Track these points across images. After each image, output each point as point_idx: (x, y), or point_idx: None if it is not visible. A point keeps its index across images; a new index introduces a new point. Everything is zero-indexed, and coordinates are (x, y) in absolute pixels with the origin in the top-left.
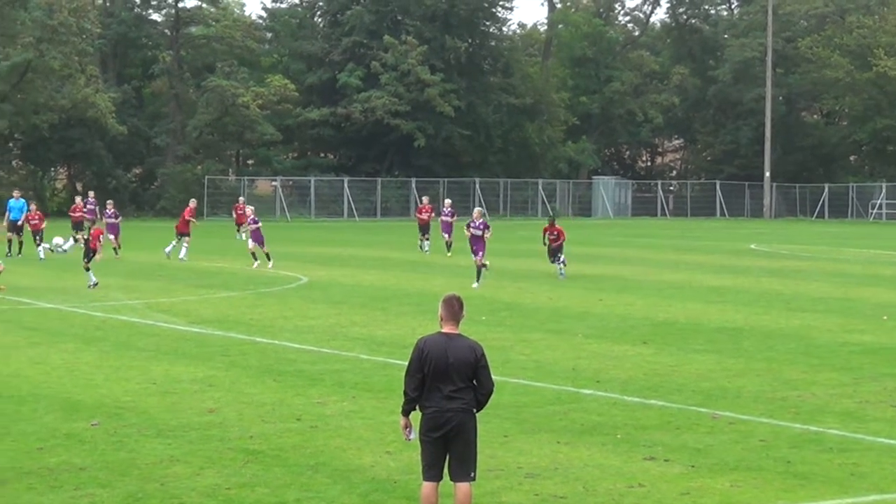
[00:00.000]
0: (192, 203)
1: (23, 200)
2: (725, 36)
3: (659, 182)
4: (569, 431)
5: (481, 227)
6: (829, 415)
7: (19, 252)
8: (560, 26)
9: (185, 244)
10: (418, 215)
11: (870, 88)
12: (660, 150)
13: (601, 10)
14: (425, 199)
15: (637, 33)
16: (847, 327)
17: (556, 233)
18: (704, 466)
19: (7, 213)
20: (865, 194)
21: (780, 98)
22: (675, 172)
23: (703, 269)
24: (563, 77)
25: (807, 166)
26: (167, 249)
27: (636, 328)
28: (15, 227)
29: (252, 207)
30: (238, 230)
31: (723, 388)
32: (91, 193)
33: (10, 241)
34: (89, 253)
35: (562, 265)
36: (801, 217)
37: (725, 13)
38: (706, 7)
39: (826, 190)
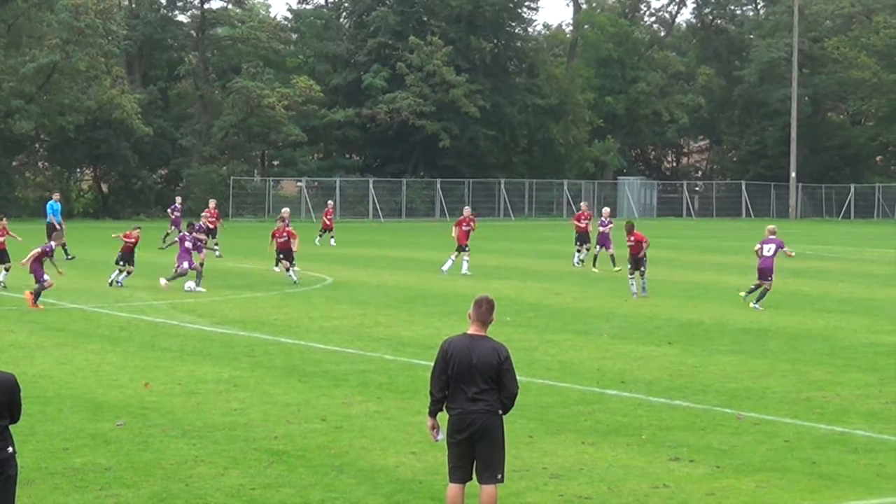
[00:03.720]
0: (467, 211)
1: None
2: (751, 36)
3: (684, 183)
4: (594, 432)
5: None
6: (855, 415)
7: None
8: (585, 27)
9: (465, 258)
10: (576, 223)
11: None
12: (685, 150)
13: (627, 10)
14: (584, 205)
15: (663, 34)
16: (873, 328)
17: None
18: (729, 467)
19: (51, 217)
20: (892, 195)
21: (807, 98)
22: (700, 173)
23: (728, 270)
24: (588, 77)
25: (833, 167)
26: (464, 270)
27: (661, 329)
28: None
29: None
30: (320, 235)
31: (748, 388)
32: (178, 199)
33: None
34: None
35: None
36: (827, 217)
37: (751, 13)
38: (732, 7)
39: (852, 190)
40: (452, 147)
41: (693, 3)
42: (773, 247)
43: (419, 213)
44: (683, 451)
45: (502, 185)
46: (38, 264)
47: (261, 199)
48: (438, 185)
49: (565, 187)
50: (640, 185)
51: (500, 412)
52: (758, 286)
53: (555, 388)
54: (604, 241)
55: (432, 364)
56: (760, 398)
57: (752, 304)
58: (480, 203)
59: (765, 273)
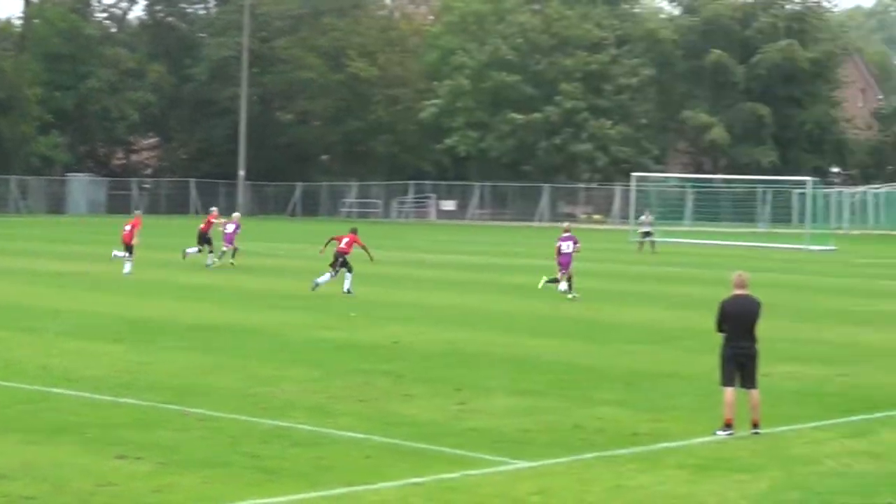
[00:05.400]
0: (137, 213)
1: None
2: (202, 35)
3: (134, 180)
4: (39, 431)
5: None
6: (299, 410)
7: None
8: (35, 21)
9: (128, 260)
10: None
11: (342, 90)
12: (135, 147)
13: (78, 5)
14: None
15: (114, 30)
16: (318, 324)
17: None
18: (175, 463)
19: None
20: (337, 193)
21: (256, 97)
22: (150, 170)
23: (173, 267)
24: (37, 72)
25: (280, 165)
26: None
27: (109, 326)
28: None
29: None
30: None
31: (195, 385)
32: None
33: None
34: None
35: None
36: (275, 215)
37: (203, 12)
38: (183, 5)
39: (299, 188)
40: None
41: (145, 0)
42: (570, 243)
43: None
44: (130, 448)
45: None
46: None
47: None
48: None
49: (13, 184)
50: (90, 181)
51: None
52: (561, 277)
53: None
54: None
55: None
56: (207, 394)
57: (570, 296)
58: None
59: (565, 265)
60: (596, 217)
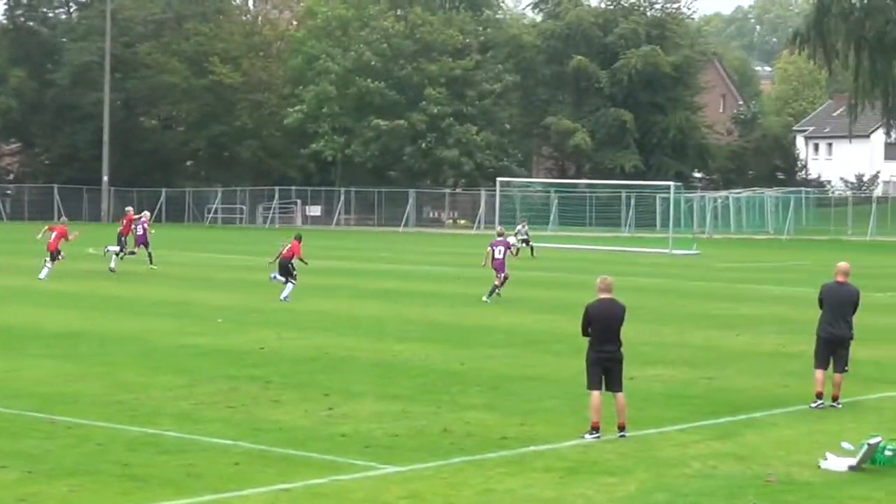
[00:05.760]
0: (63, 221)
1: None
2: (64, 39)
3: None
4: None
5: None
6: (166, 417)
7: None
8: None
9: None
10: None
11: (206, 95)
12: None
13: None
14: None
15: None
16: (184, 330)
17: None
18: (41, 472)
19: None
20: (202, 199)
21: (119, 102)
22: (12, 176)
23: (36, 274)
24: None
25: (145, 171)
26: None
27: None
28: None
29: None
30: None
31: (60, 393)
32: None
33: None
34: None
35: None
36: None
37: (64, 17)
38: (44, 10)
39: (164, 194)
40: None
41: (5, 4)
42: (502, 248)
43: None
44: None
45: None
46: None
47: None
48: None
49: None
50: None
51: None
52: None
53: None
54: (500, 266)
55: None
56: (74, 402)
57: (485, 299)
58: None
59: (499, 269)
60: (462, 222)
